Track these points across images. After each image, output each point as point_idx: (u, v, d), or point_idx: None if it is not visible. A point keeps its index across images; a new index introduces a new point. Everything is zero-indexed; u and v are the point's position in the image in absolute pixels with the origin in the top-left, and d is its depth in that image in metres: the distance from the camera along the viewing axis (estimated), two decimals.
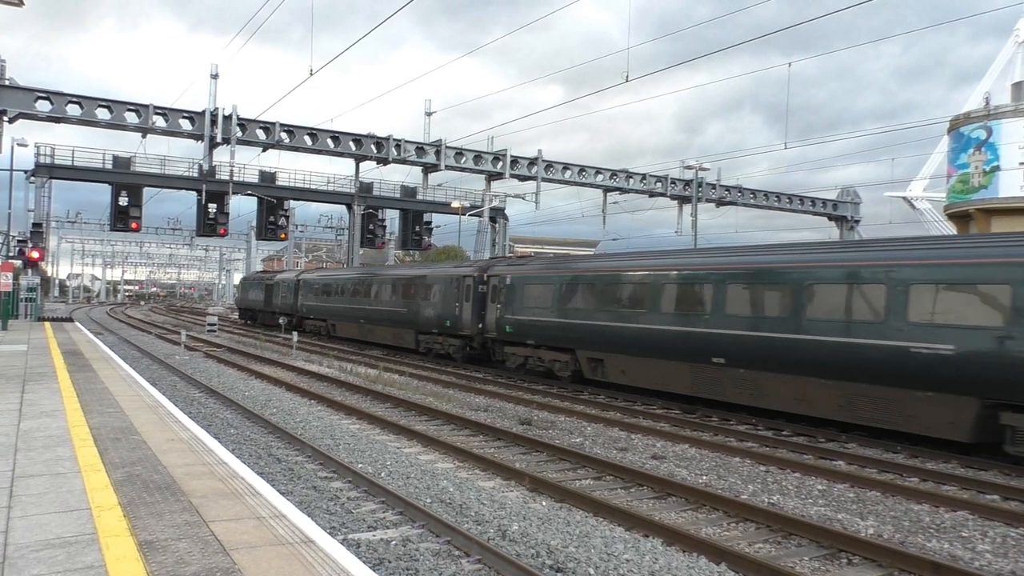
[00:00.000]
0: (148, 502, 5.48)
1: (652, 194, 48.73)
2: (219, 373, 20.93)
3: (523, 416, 14.61)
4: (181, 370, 20.80)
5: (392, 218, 49.08)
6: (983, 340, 10.90)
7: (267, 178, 42.94)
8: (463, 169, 44.16)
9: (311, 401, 16.35)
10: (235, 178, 41.21)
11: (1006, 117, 34.93)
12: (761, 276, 14.37)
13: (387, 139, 41.53)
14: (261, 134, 39.06)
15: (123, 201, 38.21)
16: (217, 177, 40.12)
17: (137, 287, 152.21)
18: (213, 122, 37.30)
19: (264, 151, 40.35)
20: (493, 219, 46.85)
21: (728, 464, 11.09)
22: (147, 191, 40.16)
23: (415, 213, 46.86)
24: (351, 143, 41.29)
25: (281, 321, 39.81)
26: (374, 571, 4.63)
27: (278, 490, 6.68)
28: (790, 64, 30.14)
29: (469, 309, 23.59)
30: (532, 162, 44.80)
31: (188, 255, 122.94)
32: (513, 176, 44.71)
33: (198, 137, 37.84)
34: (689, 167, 38.00)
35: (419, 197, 46.79)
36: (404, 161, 42.48)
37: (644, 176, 48.10)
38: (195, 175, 40.27)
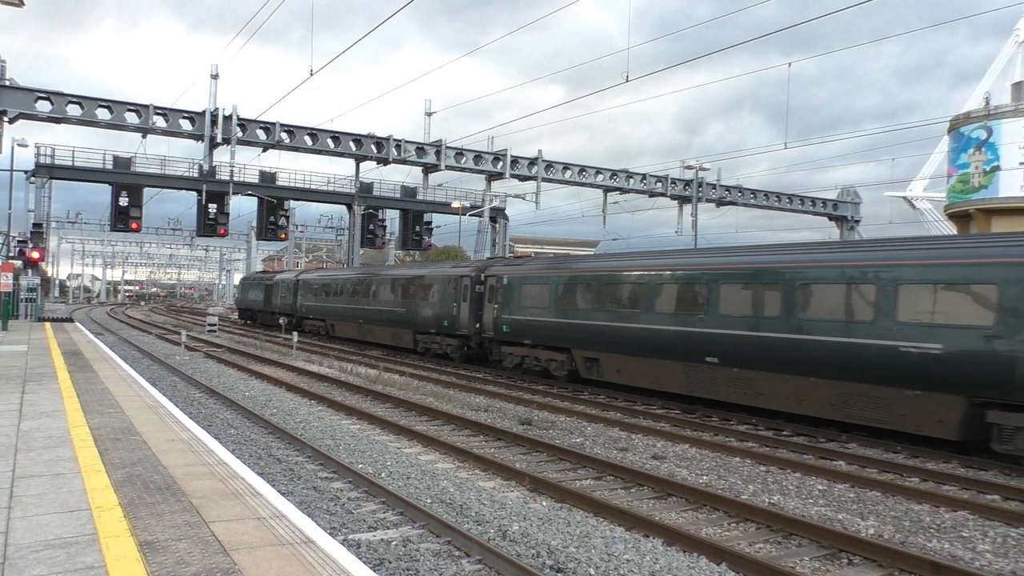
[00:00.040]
0: (148, 502, 5.48)
1: (652, 194, 48.74)
2: (219, 373, 20.93)
3: (523, 416, 14.61)
4: (181, 370, 20.80)
5: (392, 218, 49.08)
6: (970, 339, 11.06)
7: (267, 178, 42.94)
8: (463, 169, 44.17)
9: (311, 401, 16.35)
10: (235, 178, 41.21)
11: (1006, 117, 34.93)
12: (752, 276, 14.56)
13: (387, 139, 41.54)
14: (261, 134, 39.07)
15: (123, 201, 38.21)
16: (217, 177, 40.11)
17: (137, 287, 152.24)
18: (213, 122, 37.31)
19: (264, 151, 40.37)
20: (493, 219, 46.84)
21: (728, 464, 11.08)
22: (147, 191, 40.19)
23: (415, 213, 46.85)
24: (351, 143, 41.30)
25: (281, 321, 39.83)
26: (374, 571, 4.63)
27: (278, 490, 6.68)
28: (790, 64, 30.20)
29: (466, 309, 23.68)
30: (532, 162, 44.80)
31: (188, 255, 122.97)
32: (513, 176, 44.72)
33: (198, 137, 37.85)
34: (689, 167, 38.00)
35: (419, 197, 46.78)
36: (404, 161, 42.49)
37: (644, 176, 48.10)
38: (195, 175, 40.27)
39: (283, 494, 6.88)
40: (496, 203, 46.11)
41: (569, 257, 29.76)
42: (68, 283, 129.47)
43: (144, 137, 37.04)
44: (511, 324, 21.41)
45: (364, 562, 5.01)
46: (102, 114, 35.87)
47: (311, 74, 24.82)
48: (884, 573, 6.83)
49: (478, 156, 44.00)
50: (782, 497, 9.28)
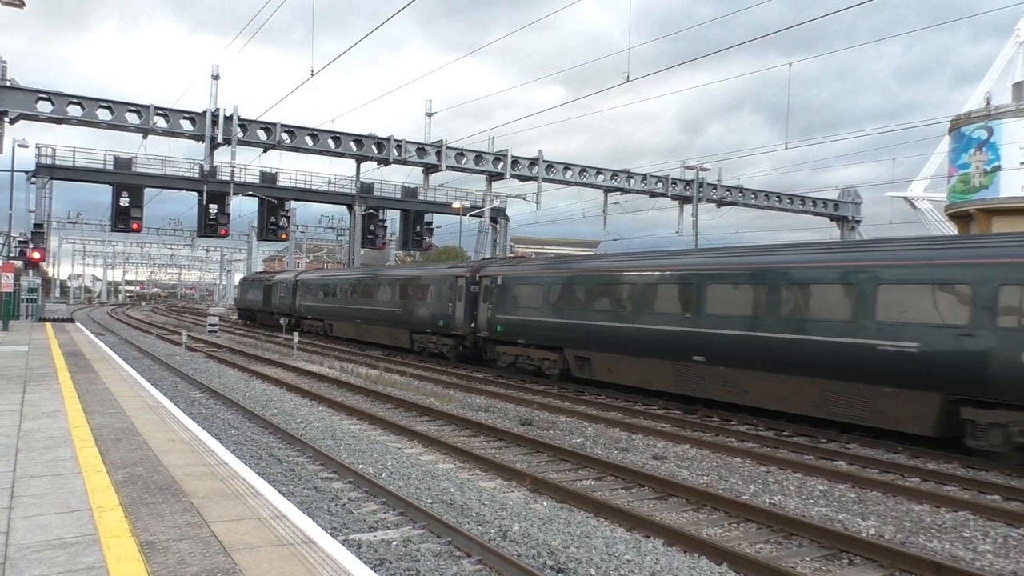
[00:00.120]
0: (149, 503, 5.48)
1: (653, 194, 48.77)
2: (220, 374, 20.94)
3: (524, 416, 14.61)
4: (182, 371, 20.81)
5: (393, 218, 49.12)
6: (945, 338, 11.35)
7: (268, 179, 42.96)
8: (464, 169, 44.20)
9: (312, 402, 16.35)
10: (236, 179, 41.24)
11: (1007, 117, 34.92)
12: (736, 277, 14.90)
13: (388, 140, 41.56)
14: (262, 135, 39.10)
15: (124, 202, 38.24)
16: (218, 178, 40.15)
17: (138, 288, 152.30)
18: (214, 123, 37.34)
19: (265, 152, 40.41)
20: (494, 219, 46.85)
21: (729, 464, 11.08)
22: (148, 192, 40.23)
23: (416, 214, 46.87)
24: (352, 144, 41.32)
25: (282, 322, 39.87)
26: (375, 572, 4.63)
27: (279, 491, 6.68)
28: (791, 64, 30.26)
29: (462, 309, 23.88)
30: (533, 162, 44.82)
31: (189, 256, 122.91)
32: (514, 176, 44.75)
33: (199, 138, 37.88)
34: (690, 167, 38.02)
35: (420, 197, 46.79)
36: (405, 162, 42.51)
37: (645, 176, 48.12)
38: (196, 176, 40.30)
39: (284, 494, 6.87)
40: (497, 203, 46.12)
41: (561, 258, 30.23)
42: (69, 283, 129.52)
43: (145, 138, 37.09)
44: (505, 324, 21.67)
45: (365, 562, 5.01)
46: (103, 115, 35.91)
47: (312, 74, 24.84)
48: (885, 573, 6.83)
49: (479, 156, 44.02)
50: (783, 497, 9.27)
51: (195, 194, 40.71)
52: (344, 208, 48.41)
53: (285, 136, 39.72)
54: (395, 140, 41.64)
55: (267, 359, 24.98)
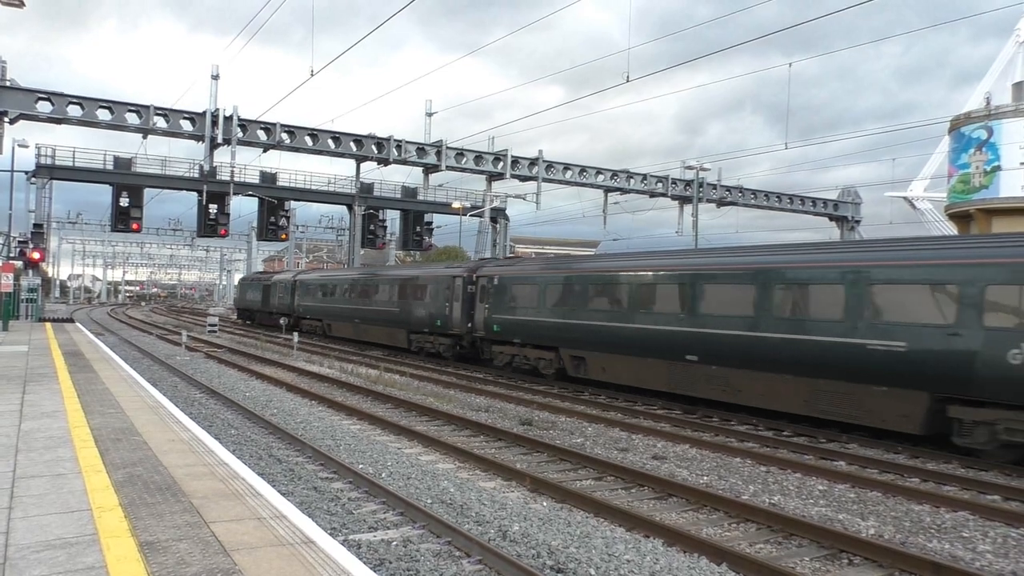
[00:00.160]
0: (149, 503, 5.48)
1: (653, 194, 48.76)
2: (220, 374, 20.94)
3: (524, 416, 14.62)
4: (182, 371, 20.81)
5: (393, 218, 49.12)
6: (932, 338, 11.48)
7: (268, 179, 42.96)
8: (464, 170, 44.20)
9: (312, 402, 16.35)
10: (236, 179, 41.23)
11: (1007, 117, 34.93)
12: (728, 277, 15.05)
13: (388, 140, 41.55)
14: (262, 135, 39.10)
15: (124, 202, 38.24)
16: (218, 178, 40.14)
17: (138, 288, 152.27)
18: (214, 123, 37.33)
19: (265, 152, 40.39)
20: (494, 219, 46.85)
21: (729, 465, 11.08)
22: (148, 192, 40.22)
23: (416, 214, 46.87)
24: (352, 144, 41.32)
25: (282, 322, 39.89)
26: (375, 572, 4.63)
27: (279, 491, 6.68)
28: (791, 64, 30.28)
29: (459, 309, 23.98)
30: (533, 162, 44.82)
31: (189, 256, 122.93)
32: (514, 176, 44.75)
33: (199, 138, 37.87)
34: (690, 167, 38.02)
35: (420, 197, 46.80)
36: (405, 162, 42.50)
37: (645, 176, 48.12)
38: (196, 176, 40.30)
39: (283, 494, 6.87)
40: (497, 203, 46.12)
41: (556, 258, 30.40)
42: (69, 283, 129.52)
43: (145, 138, 37.08)
44: (501, 323, 21.80)
45: (364, 562, 5.01)
46: (103, 115, 35.90)
47: (312, 75, 24.85)
48: (884, 573, 6.83)
49: (479, 156, 44.01)
50: (783, 497, 9.28)
51: (195, 194, 40.70)
52: (344, 208, 48.41)
53: (285, 136, 39.71)
54: (395, 140, 41.63)
55: (267, 359, 24.99)
